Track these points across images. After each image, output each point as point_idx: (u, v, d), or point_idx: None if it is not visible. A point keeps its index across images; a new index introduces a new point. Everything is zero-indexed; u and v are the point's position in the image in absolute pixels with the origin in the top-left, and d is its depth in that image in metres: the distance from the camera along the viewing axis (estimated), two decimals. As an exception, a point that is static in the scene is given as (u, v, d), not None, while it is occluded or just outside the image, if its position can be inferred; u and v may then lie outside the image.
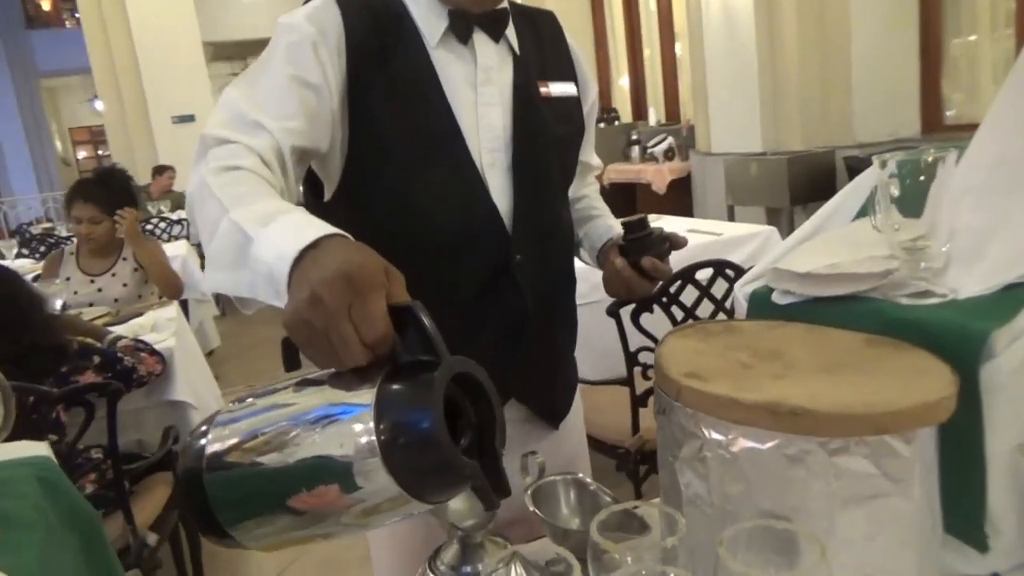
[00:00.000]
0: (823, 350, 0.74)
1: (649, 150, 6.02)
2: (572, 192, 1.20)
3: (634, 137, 6.28)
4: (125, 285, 3.08)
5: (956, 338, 0.71)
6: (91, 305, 2.81)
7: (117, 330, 2.28)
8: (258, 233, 0.65)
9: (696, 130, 5.56)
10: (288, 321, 0.57)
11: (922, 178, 0.80)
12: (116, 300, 2.93)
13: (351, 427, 0.53)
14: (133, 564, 1.74)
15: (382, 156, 0.95)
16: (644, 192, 5.85)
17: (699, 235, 2.94)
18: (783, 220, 4.54)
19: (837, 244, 0.91)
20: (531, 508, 0.82)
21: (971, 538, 0.71)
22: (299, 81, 0.88)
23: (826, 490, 0.60)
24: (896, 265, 0.82)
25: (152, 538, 1.81)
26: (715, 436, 0.64)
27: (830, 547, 0.55)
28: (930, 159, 0.79)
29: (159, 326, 2.33)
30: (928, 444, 0.62)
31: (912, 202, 0.82)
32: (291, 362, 0.64)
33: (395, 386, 0.54)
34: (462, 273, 0.99)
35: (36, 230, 7.35)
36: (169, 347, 2.19)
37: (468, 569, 0.76)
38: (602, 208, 1.26)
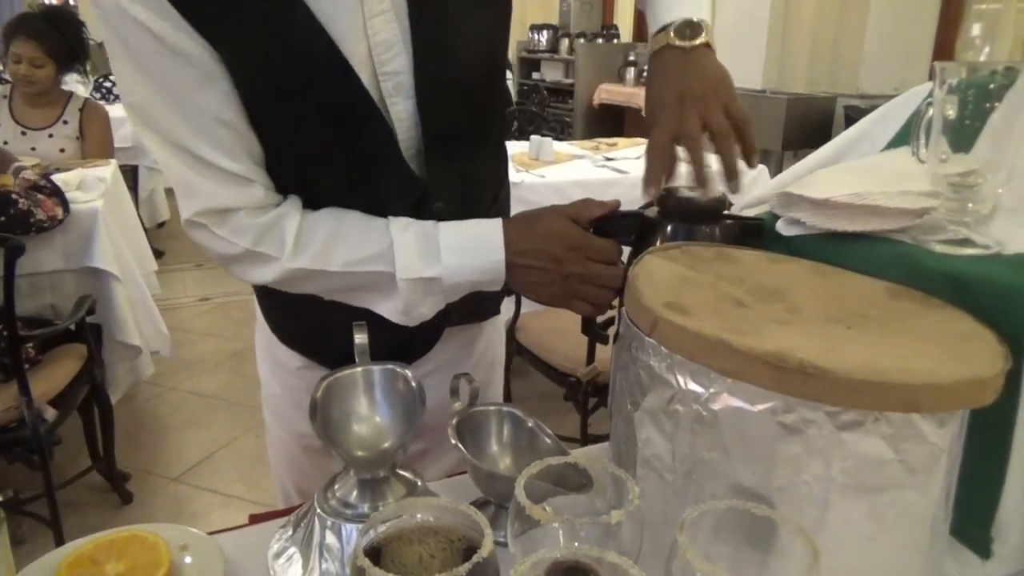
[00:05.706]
0: (836, 296, 0.59)
1: (646, 73, 5.75)
2: None
3: (631, 58, 5.97)
4: (62, 151, 2.80)
5: (1001, 300, 0.57)
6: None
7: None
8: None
9: (697, 59, 5.30)
10: None
11: (987, 104, 0.65)
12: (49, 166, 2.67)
13: None
14: (27, 438, 1.59)
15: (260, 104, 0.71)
16: (633, 117, 5.61)
17: (683, 165, 2.78)
18: (771, 166, 4.37)
19: (864, 173, 0.75)
20: (453, 441, 0.68)
21: (974, 542, 0.59)
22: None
23: (825, 473, 0.46)
24: (936, 204, 0.67)
25: (50, 413, 1.65)
26: (693, 387, 0.49)
27: (817, 544, 0.42)
28: (1001, 79, 0.64)
29: (87, 185, 2.08)
30: (960, 430, 0.49)
31: (965, 134, 0.66)
32: None
33: None
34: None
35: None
36: (93, 209, 1.97)
37: (365, 508, 0.62)
38: None
